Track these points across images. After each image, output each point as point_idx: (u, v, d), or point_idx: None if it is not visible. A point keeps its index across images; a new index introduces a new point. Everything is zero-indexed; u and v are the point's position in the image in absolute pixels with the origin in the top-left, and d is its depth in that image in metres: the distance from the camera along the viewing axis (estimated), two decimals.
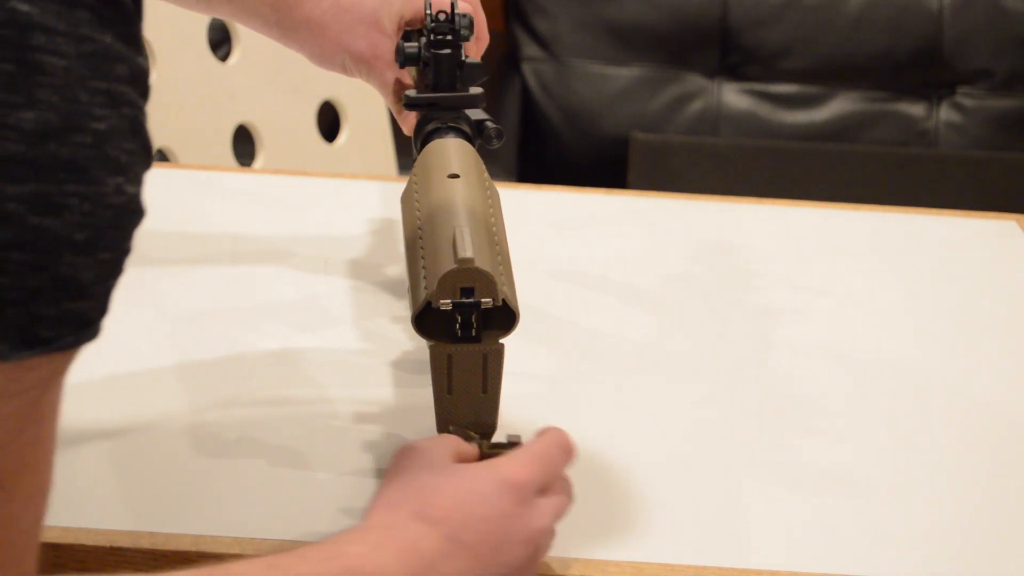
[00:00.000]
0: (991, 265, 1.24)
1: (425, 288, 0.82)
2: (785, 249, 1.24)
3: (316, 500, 0.86)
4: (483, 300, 0.81)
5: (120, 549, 0.81)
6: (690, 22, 2.54)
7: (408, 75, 1.04)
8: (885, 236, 1.28)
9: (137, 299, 1.06)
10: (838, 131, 2.56)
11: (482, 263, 0.81)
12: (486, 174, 0.93)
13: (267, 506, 0.85)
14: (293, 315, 1.07)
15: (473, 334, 0.83)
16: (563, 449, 0.80)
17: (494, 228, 0.88)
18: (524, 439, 0.81)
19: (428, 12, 0.98)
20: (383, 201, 1.26)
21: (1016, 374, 1.07)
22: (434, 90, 0.99)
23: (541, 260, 1.16)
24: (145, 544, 0.81)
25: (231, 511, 0.84)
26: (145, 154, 0.58)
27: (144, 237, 0.60)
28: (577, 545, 0.80)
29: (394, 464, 0.79)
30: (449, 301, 0.80)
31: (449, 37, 0.98)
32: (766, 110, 2.58)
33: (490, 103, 1.00)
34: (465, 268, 0.80)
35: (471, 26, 0.99)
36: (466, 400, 0.84)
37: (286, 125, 1.82)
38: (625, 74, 2.57)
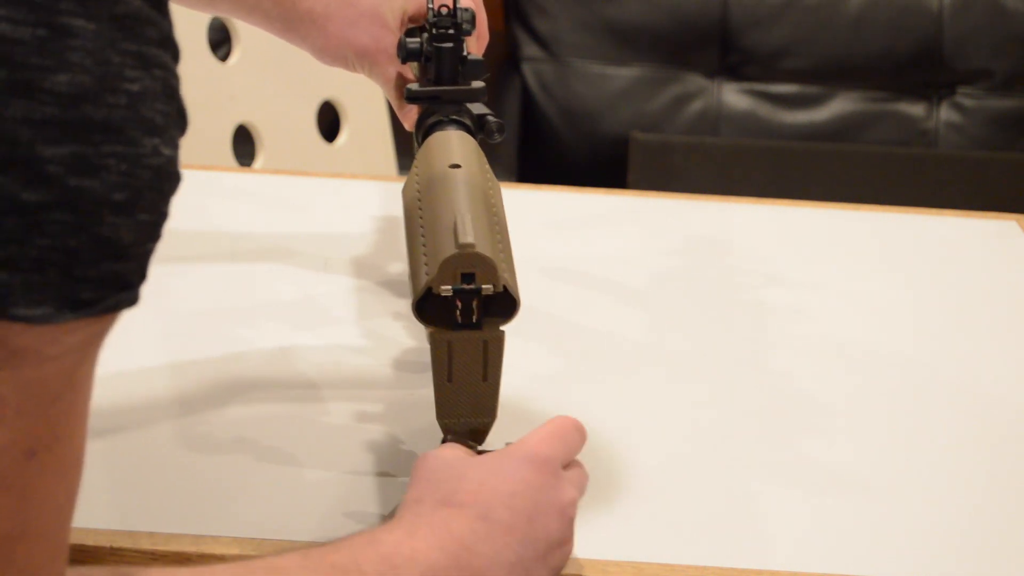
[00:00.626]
0: (991, 265, 1.24)
1: (426, 274, 0.82)
2: (785, 249, 1.24)
3: (317, 500, 0.86)
4: (484, 286, 0.80)
5: (120, 549, 0.81)
6: (690, 22, 2.54)
7: (410, 70, 1.04)
8: (885, 236, 1.28)
9: None
10: (838, 131, 2.56)
11: (483, 248, 0.80)
12: (487, 165, 0.93)
13: (268, 506, 0.85)
14: (293, 314, 1.07)
15: (474, 321, 0.83)
16: (577, 430, 0.83)
17: (495, 216, 0.88)
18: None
19: (430, 6, 0.98)
20: (383, 201, 1.26)
21: (1017, 374, 1.07)
22: (436, 84, 0.99)
23: (541, 260, 1.16)
24: (145, 544, 0.81)
25: (231, 511, 0.84)
26: (180, 118, 0.58)
27: None
28: (577, 545, 0.80)
29: (413, 473, 0.79)
30: (450, 287, 0.80)
31: (451, 31, 0.97)
32: (766, 110, 2.57)
33: (490, 103, 1.00)
34: (466, 253, 0.80)
35: (473, 20, 0.99)
36: (466, 388, 0.84)
37: (286, 125, 1.81)
38: (625, 74, 2.57)
